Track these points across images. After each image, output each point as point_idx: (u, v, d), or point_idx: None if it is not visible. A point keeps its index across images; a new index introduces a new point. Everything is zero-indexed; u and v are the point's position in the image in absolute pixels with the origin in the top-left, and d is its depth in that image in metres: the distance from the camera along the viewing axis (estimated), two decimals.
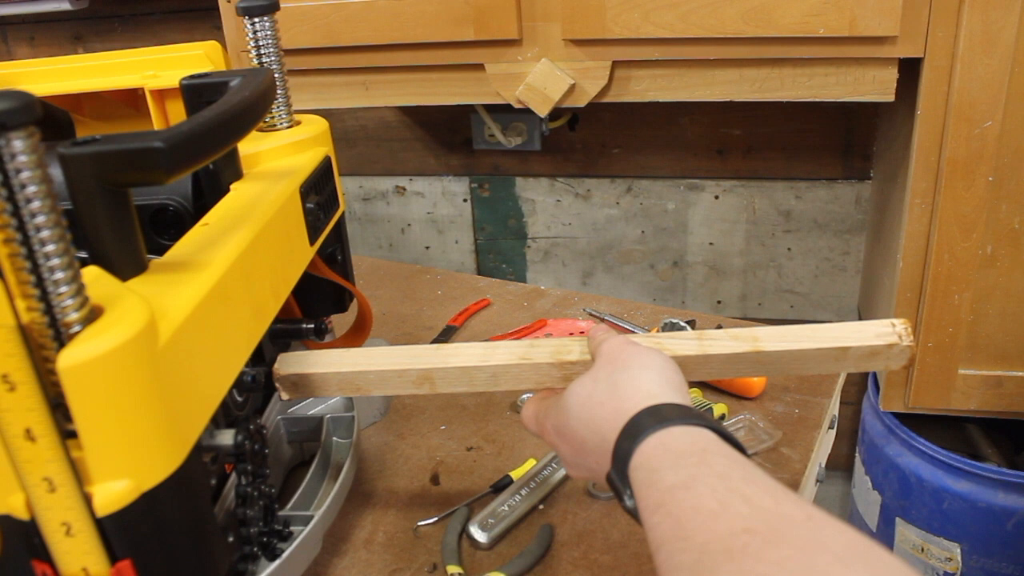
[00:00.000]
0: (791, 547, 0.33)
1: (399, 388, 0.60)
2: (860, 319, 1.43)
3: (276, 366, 0.60)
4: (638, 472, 0.43)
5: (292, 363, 0.61)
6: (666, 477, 0.40)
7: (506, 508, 0.71)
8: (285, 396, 0.61)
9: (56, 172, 0.40)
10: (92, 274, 0.43)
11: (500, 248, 1.61)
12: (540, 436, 0.57)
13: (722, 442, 0.43)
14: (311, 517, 0.61)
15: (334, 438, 0.73)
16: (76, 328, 0.39)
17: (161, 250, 0.51)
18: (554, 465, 0.76)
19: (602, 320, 1.05)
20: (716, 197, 1.44)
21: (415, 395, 0.90)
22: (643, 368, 0.50)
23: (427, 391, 0.60)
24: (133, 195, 0.46)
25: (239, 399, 0.58)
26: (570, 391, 0.52)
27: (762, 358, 0.56)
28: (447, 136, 1.54)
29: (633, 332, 0.99)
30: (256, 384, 0.55)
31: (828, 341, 0.56)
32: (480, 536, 0.68)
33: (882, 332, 0.56)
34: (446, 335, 1.04)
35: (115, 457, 0.40)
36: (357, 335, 0.78)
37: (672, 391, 0.48)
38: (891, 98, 0.98)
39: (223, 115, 0.49)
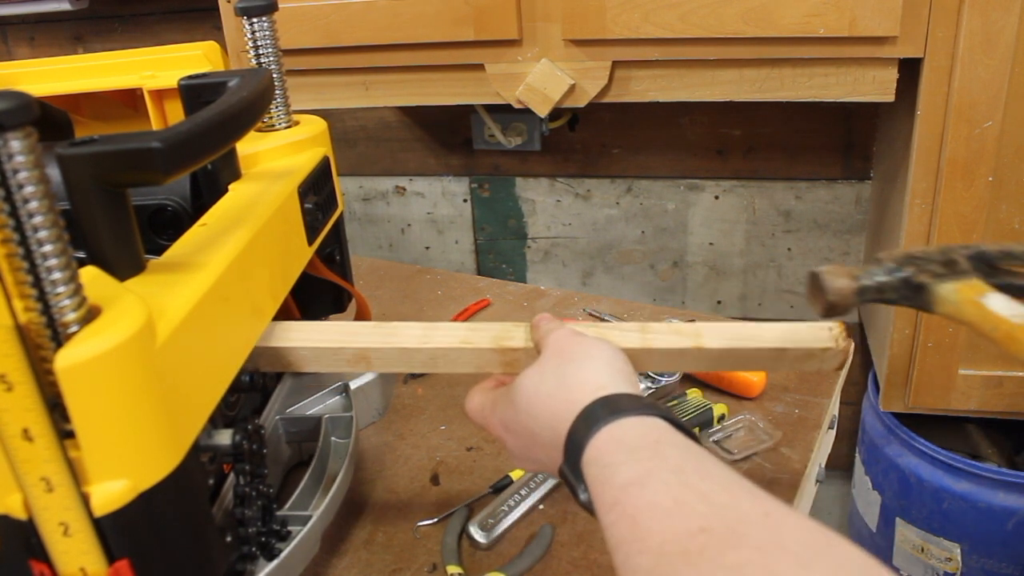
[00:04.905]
0: (749, 548, 0.33)
1: (333, 366, 0.58)
2: (860, 320, 1.43)
3: None
4: (591, 467, 0.42)
5: None
6: (620, 472, 0.39)
7: (506, 508, 0.71)
8: None
9: (54, 172, 0.40)
10: (90, 274, 0.43)
11: (500, 248, 1.61)
12: (484, 428, 0.56)
13: (675, 431, 0.42)
14: (309, 517, 0.61)
15: (332, 438, 0.73)
16: (74, 328, 0.39)
17: (159, 250, 0.52)
18: None
19: (602, 320, 1.05)
20: (716, 197, 1.44)
21: (414, 395, 0.90)
22: (591, 359, 0.49)
23: (363, 370, 0.59)
24: (131, 195, 0.46)
25: (230, 399, 0.58)
26: (517, 384, 0.51)
27: (703, 355, 0.57)
28: (447, 136, 1.54)
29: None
30: (254, 384, 0.55)
31: (767, 342, 0.57)
32: (480, 536, 0.68)
33: (819, 336, 0.57)
34: None
35: (113, 457, 0.40)
36: None
37: (622, 381, 0.47)
38: (891, 98, 0.98)
39: (221, 115, 0.49)
